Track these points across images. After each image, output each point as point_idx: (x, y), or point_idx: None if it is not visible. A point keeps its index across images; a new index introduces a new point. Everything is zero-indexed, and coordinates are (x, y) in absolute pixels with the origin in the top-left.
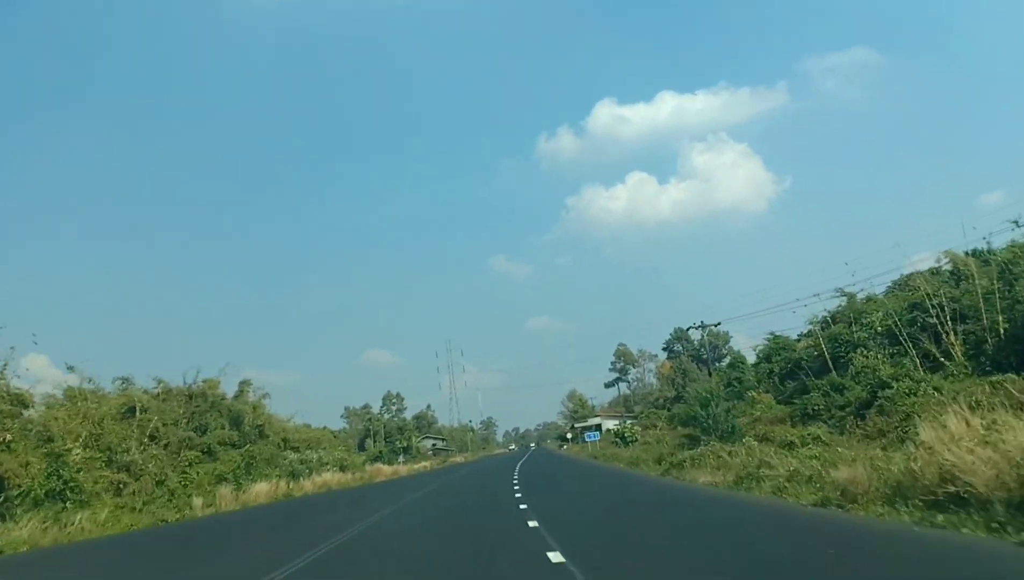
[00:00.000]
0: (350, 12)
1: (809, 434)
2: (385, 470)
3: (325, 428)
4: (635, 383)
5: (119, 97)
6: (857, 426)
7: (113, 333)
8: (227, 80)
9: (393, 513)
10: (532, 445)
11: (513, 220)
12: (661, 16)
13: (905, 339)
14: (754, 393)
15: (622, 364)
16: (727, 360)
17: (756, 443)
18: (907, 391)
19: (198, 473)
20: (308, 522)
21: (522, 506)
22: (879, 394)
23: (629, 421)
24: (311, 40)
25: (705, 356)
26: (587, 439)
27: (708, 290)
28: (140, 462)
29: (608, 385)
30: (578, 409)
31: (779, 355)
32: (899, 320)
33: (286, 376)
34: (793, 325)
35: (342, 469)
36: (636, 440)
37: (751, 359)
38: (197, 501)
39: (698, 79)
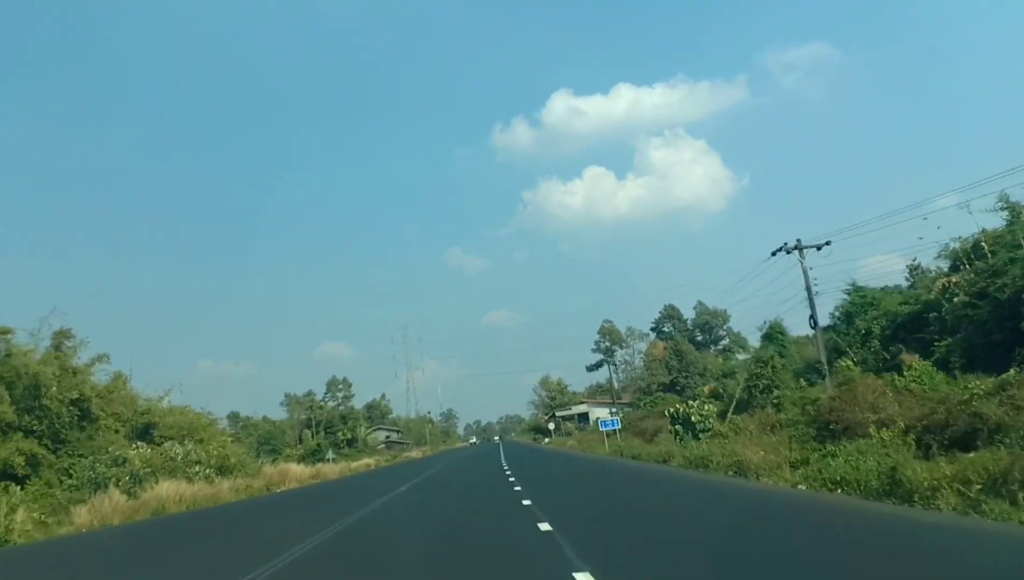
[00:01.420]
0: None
1: None
2: (298, 472)
3: (251, 415)
4: (622, 365)
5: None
6: None
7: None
8: (181, 62)
9: None
10: (496, 438)
11: (469, 212)
12: (619, 5)
13: None
14: (848, 362)
15: (607, 344)
16: (725, 342)
17: None
18: None
19: None
20: None
21: None
22: None
23: (693, 401)
24: (263, 22)
25: (700, 337)
26: (602, 427)
27: (671, 287)
28: None
29: (591, 368)
30: (556, 396)
31: (866, 313)
32: None
33: (242, 368)
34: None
35: (221, 472)
36: (709, 430)
37: (753, 341)
38: None
39: (656, 71)
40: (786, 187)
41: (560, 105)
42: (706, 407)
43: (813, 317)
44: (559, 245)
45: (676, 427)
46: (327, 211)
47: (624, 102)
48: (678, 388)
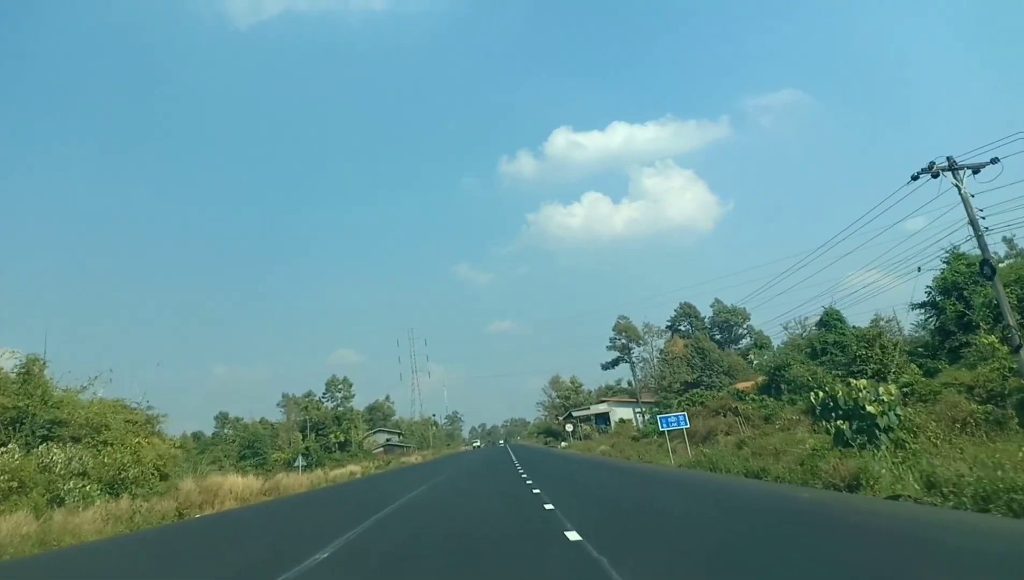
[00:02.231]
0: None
1: None
2: (241, 487)
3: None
4: (640, 363)
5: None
6: None
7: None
8: (226, 90)
9: None
10: (501, 442)
11: (476, 232)
12: (616, 54)
13: None
14: (992, 338)
15: (623, 341)
16: (745, 341)
17: None
18: None
19: None
20: None
21: None
22: None
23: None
24: (295, 61)
25: (718, 336)
26: (663, 426)
27: (667, 292)
28: None
29: (606, 366)
30: (570, 395)
31: (980, 284)
32: None
33: (255, 373)
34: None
35: (112, 489)
36: (892, 428)
37: (777, 340)
38: None
39: (648, 111)
40: (769, 210)
41: (561, 140)
42: (882, 391)
43: (987, 263)
44: (560, 260)
45: (836, 423)
46: (344, 232)
47: (619, 137)
48: (703, 387)
